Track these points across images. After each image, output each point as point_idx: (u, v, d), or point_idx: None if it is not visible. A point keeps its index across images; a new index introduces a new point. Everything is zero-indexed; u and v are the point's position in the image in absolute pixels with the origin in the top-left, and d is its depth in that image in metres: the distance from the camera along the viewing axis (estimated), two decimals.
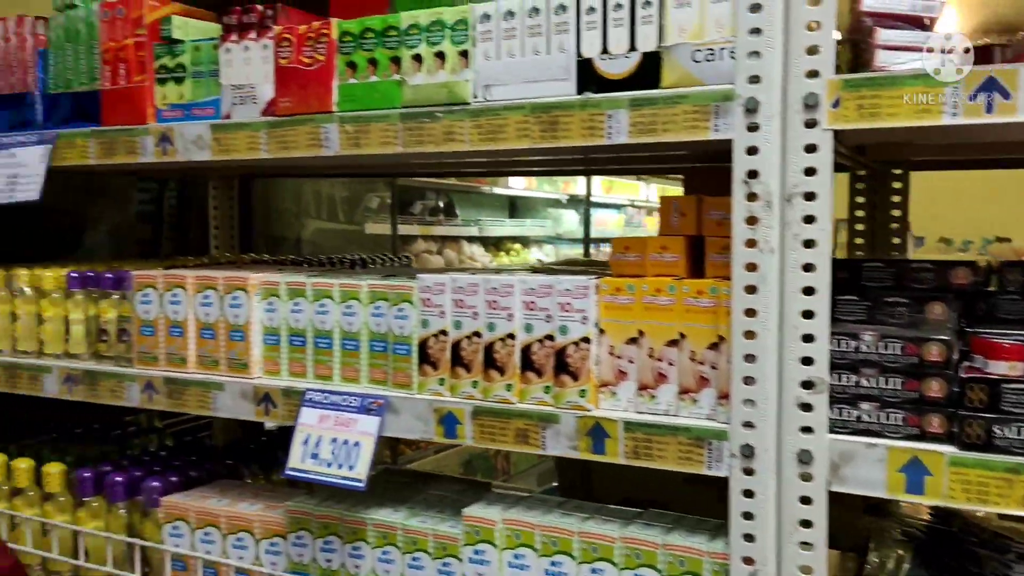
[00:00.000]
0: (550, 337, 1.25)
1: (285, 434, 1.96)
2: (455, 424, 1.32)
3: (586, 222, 7.33)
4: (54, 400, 1.71)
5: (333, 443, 1.37)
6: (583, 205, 7.35)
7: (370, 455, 1.34)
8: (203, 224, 2.64)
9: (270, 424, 1.56)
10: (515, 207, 7.71)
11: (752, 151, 1.08)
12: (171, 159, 1.53)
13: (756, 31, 1.07)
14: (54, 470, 1.72)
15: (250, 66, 1.45)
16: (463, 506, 1.44)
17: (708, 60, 1.12)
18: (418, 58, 1.31)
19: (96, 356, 1.68)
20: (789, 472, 1.10)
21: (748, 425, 1.11)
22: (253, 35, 1.44)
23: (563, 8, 1.20)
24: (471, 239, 6.54)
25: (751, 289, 1.10)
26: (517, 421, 1.27)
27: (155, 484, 1.63)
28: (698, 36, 1.13)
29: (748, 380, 1.10)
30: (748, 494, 1.11)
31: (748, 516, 1.12)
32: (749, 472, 1.11)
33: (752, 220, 1.09)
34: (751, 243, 1.09)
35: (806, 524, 1.09)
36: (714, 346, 1.17)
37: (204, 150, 1.50)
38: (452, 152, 1.30)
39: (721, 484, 1.14)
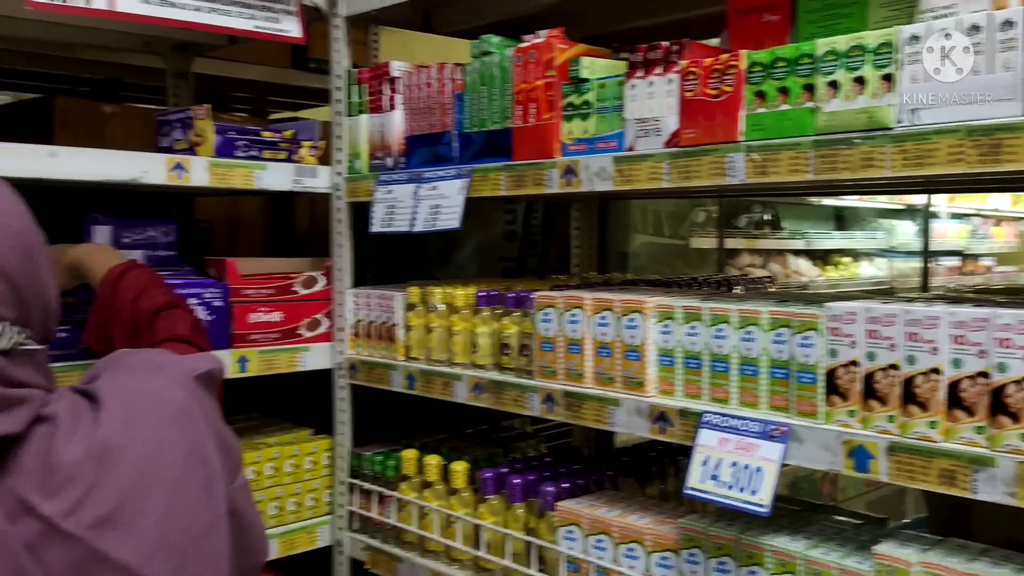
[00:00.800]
0: (984, 375, 1.18)
1: (642, 449, 2.03)
2: (867, 459, 1.28)
3: (925, 233, 6.74)
4: (435, 402, 1.92)
5: (733, 467, 1.40)
6: (921, 215, 6.78)
7: (773, 481, 1.35)
8: (564, 243, 2.80)
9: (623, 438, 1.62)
10: (841, 218, 7.30)
11: None
12: (574, 190, 1.66)
13: None
14: (459, 468, 1.92)
15: (654, 100, 1.52)
16: (862, 540, 1.40)
17: None
18: (834, 84, 1.30)
19: (499, 367, 1.85)
20: None
21: None
22: (659, 70, 1.51)
23: (1009, 24, 1.13)
24: (796, 252, 6.30)
25: None
26: (941, 461, 1.21)
27: (550, 489, 1.77)
28: None
29: None
30: None
31: None
32: None
33: None
34: None
35: None
36: None
37: (606, 181, 1.61)
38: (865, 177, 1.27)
39: None
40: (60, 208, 2.23)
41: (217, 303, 2.00)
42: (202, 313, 1.97)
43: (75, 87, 3.06)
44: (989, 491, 1.16)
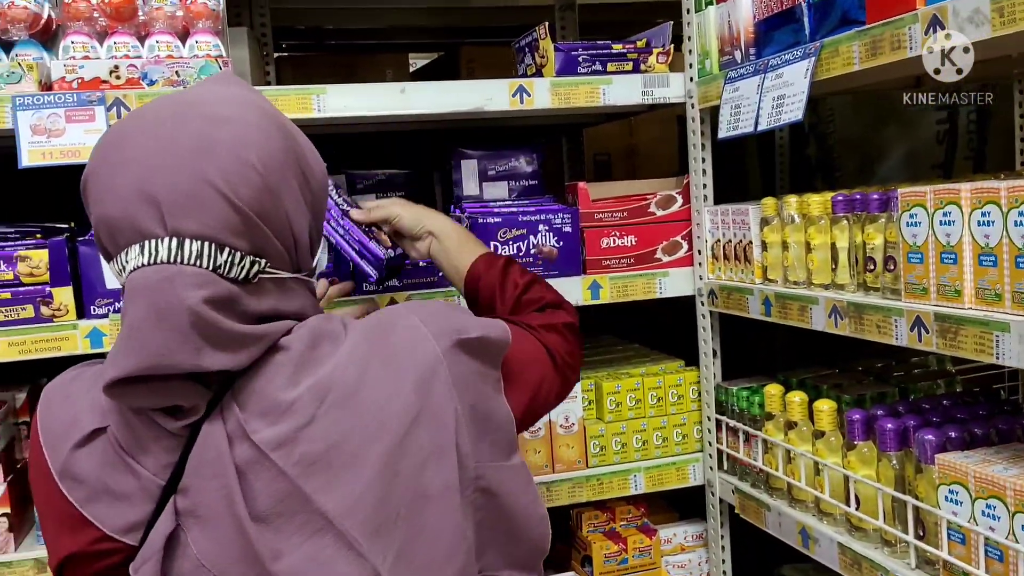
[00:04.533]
0: None
1: None
2: None
3: None
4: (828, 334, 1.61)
5: None
6: None
7: None
8: (1007, 137, 2.23)
9: None
10: None
11: None
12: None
13: None
14: (825, 407, 1.63)
15: None
16: None
17: None
18: None
19: (863, 287, 1.51)
20: None
21: None
22: None
23: None
24: None
25: None
26: None
27: (929, 437, 1.40)
28: None
29: None
30: None
31: None
32: None
33: None
34: None
35: None
36: None
37: (982, 27, 1.18)
38: None
39: None
40: (436, 145, 2.38)
41: (567, 229, 1.95)
42: (551, 239, 1.94)
43: (481, 38, 3.25)
44: None
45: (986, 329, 1.22)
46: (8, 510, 1.69)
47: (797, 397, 1.70)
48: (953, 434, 1.40)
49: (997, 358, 1.20)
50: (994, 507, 1.26)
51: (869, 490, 1.52)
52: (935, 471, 1.37)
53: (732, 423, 1.93)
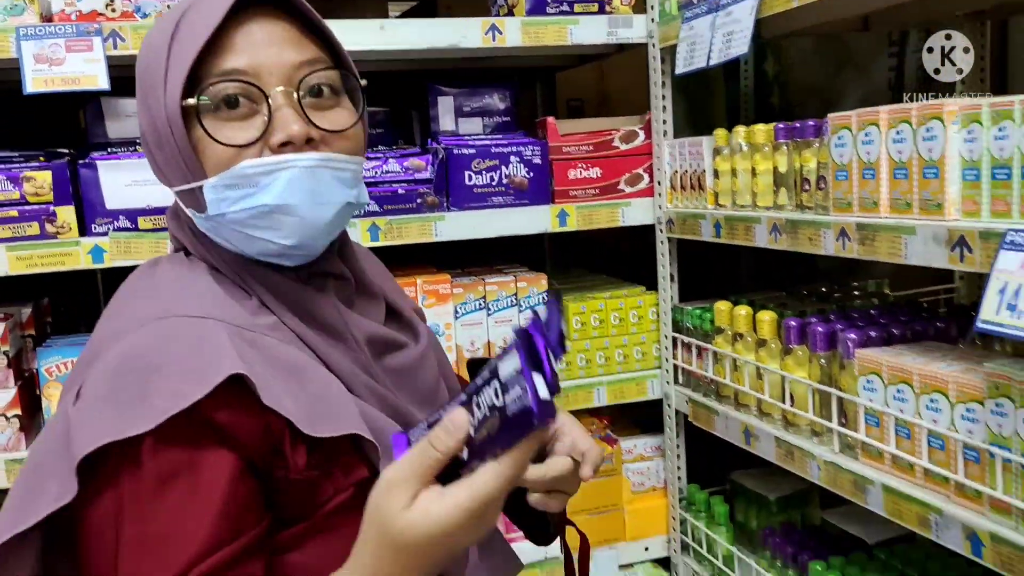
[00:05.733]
0: None
1: None
2: None
3: None
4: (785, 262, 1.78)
5: None
6: None
7: None
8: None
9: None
10: None
11: None
12: None
13: None
14: (766, 318, 1.80)
15: None
16: None
17: None
18: None
19: (800, 206, 1.68)
20: None
21: None
22: None
23: None
24: None
25: None
26: None
27: (852, 336, 1.58)
28: None
29: None
30: None
31: None
32: None
33: None
34: None
35: None
36: None
37: None
38: None
39: None
40: (414, 84, 2.51)
41: (536, 160, 2.10)
42: (522, 171, 2.09)
43: None
44: None
45: (896, 234, 1.39)
46: (19, 411, 1.84)
47: (743, 311, 1.87)
48: (873, 333, 1.58)
49: (906, 258, 1.37)
50: (903, 391, 1.44)
51: (801, 388, 1.70)
52: (855, 365, 1.55)
53: (686, 339, 2.10)
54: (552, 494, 1.05)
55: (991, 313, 1.17)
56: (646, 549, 2.28)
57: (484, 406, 0.79)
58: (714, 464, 2.29)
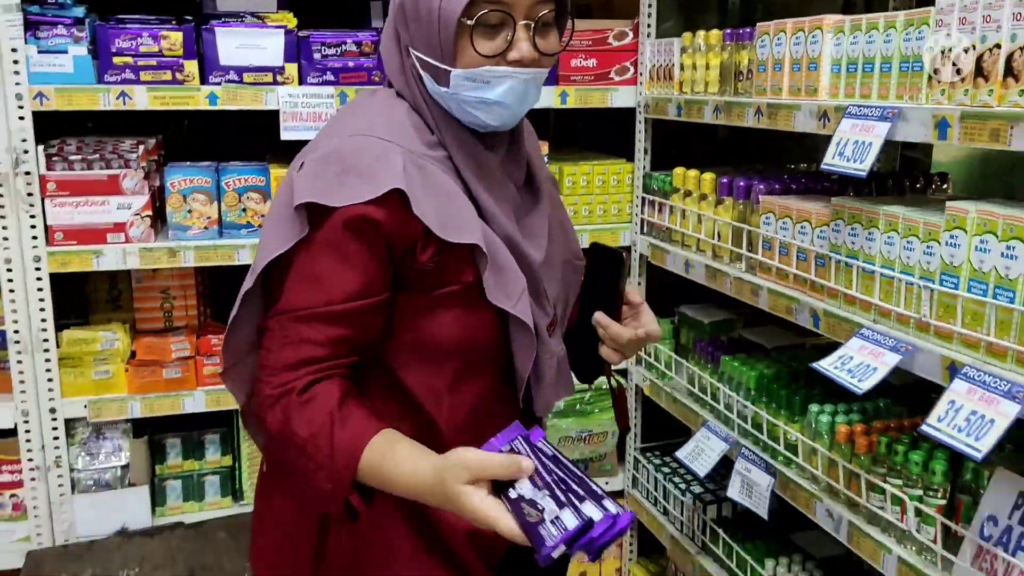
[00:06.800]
0: None
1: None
2: (946, 127, 1.54)
3: None
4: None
5: (855, 144, 1.73)
6: None
7: (875, 153, 1.67)
8: None
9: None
10: None
11: None
12: None
13: None
14: (707, 176, 2.42)
15: None
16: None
17: None
18: None
19: (736, 93, 2.28)
20: None
21: None
22: None
23: None
24: None
25: None
26: (993, 122, 1.45)
27: (761, 186, 2.20)
28: None
29: None
30: None
31: None
32: None
33: None
34: None
35: None
36: None
37: None
38: None
39: None
40: None
41: None
42: None
43: None
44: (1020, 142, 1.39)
45: (789, 111, 1.99)
46: (151, 213, 2.48)
47: (692, 173, 2.50)
48: (776, 186, 2.20)
49: (795, 126, 1.98)
50: (785, 223, 2.07)
51: (725, 228, 2.33)
52: (761, 207, 2.18)
53: (651, 198, 2.73)
54: (616, 352, 1.52)
55: (831, 158, 1.79)
56: None
57: (540, 494, 1.11)
58: (667, 303, 2.94)
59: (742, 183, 2.28)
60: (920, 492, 1.71)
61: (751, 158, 3.16)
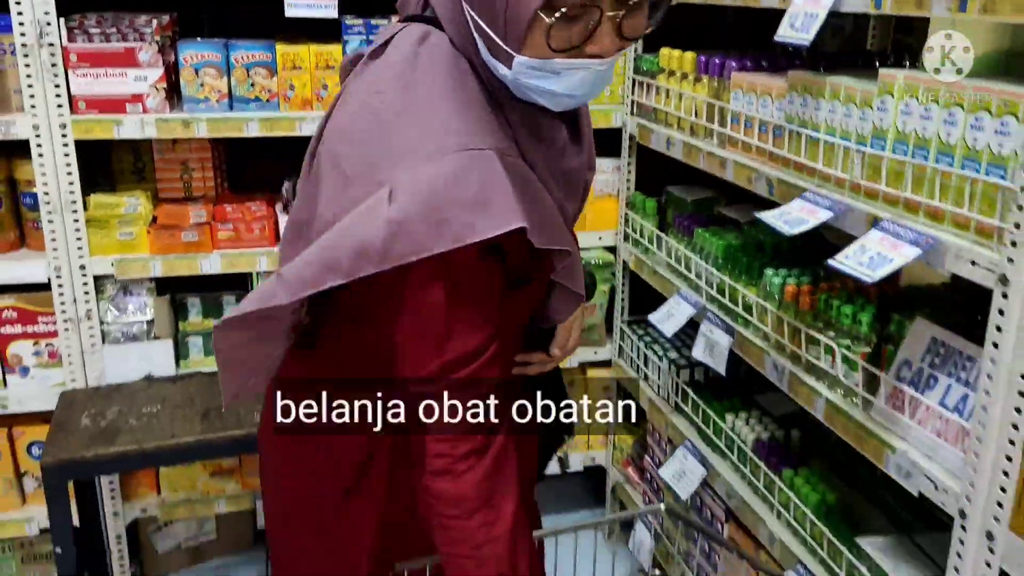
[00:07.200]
0: None
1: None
2: None
3: None
4: None
5: (805, 15, 1.83)
6: None
7: (819, 23, 1.78)
8: None
9: None
10: None
11: None
12: None
13: None
14: (688, 56, 2.53)
15: None
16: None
17: None
18: None
19: None
20: None
21: None
22: None
23: None
24: None
25: None
26: None
27: (733, 64, 2.31)
28: None
29: None
30: None
31: None
32: None
33: None
34: None
35: None
36: None
37: None
38: None
39: None
40: None
41: None
42: None
43: None
44: None
45: None
46: (165, 85, 2.65)
47: (676, 53, 2.60)
48: (748, 64, 2.31)
49: (760, 3, 2.08)
50: (750, 97, 2.19)
51: (701, 104, 2.45)
52: (731, 83, 2.29)
53: (640, 79, 2.84)
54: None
55: (783, 30, 1.90)
56: (599, 238, 3.12)
57: None
58: (658, 183, 3.08)
59: (717, 61, 2.38)
60: (848, 342, 1.88)
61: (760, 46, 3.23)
